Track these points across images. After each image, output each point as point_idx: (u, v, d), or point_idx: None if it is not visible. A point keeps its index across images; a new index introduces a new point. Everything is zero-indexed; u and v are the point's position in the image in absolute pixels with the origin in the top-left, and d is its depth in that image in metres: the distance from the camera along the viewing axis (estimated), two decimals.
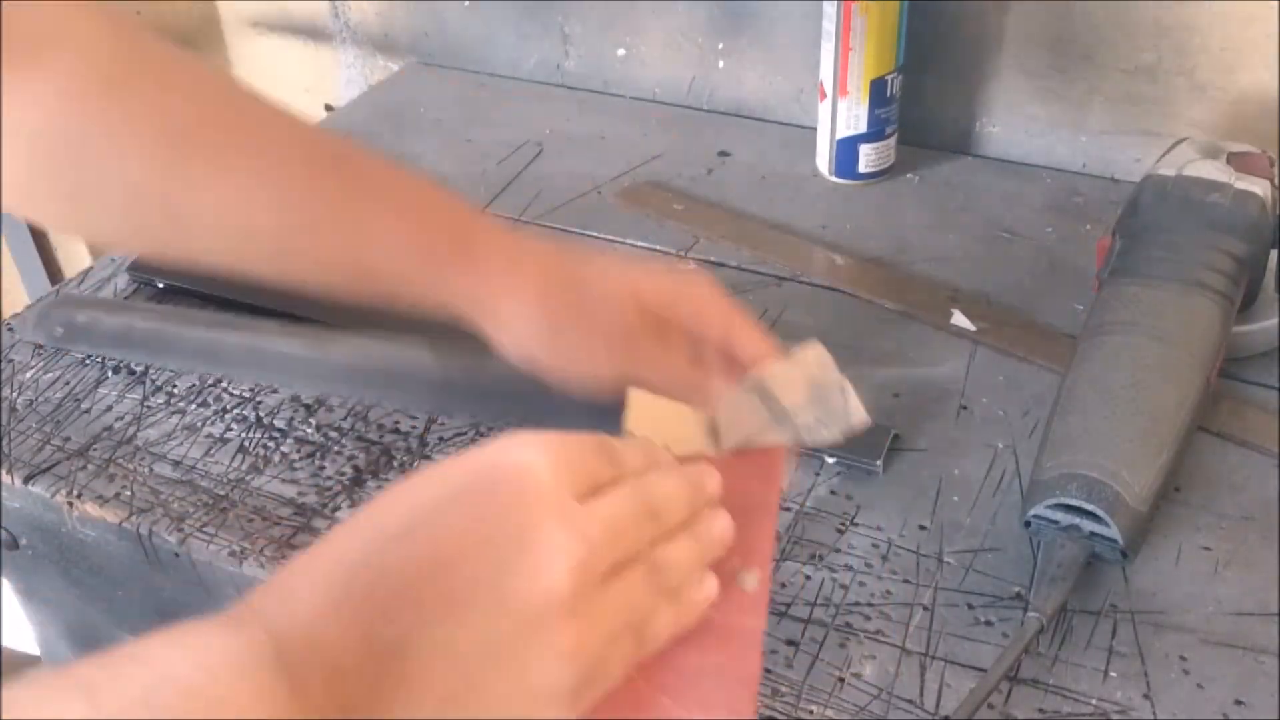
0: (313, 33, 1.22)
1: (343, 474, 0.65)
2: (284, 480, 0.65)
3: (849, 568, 0.59)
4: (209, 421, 0.69)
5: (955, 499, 0.62)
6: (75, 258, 1.32)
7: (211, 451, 0.67)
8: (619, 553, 0.39)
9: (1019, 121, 0.92)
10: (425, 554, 0.36)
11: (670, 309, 0.54)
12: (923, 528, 0.61)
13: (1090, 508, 0.55)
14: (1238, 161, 0.67)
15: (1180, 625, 0.55)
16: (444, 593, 0.36)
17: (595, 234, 0.86)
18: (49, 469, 0.66)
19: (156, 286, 0.80)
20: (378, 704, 0.34)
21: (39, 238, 1.29)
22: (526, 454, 0.38)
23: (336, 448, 0.67)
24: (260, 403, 0.70)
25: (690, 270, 0.62)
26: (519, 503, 0.37)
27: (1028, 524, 0.58)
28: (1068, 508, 0.56)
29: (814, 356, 0.56)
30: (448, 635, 0.35)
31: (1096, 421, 0.59)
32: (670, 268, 0.64)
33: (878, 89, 0.86)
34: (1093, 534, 0.56)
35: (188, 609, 0.50)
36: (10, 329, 0.77)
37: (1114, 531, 0.55)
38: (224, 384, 0.72)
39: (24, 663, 0.90)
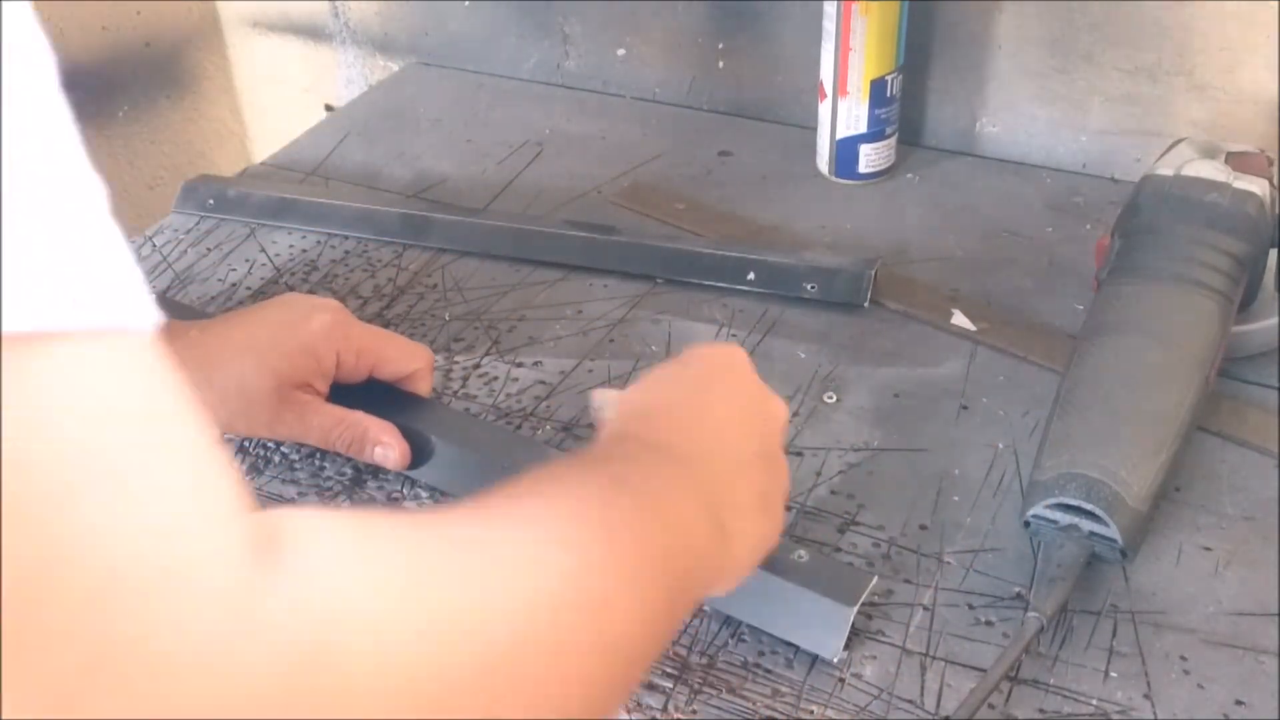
0: (313, 33, 1.22)
1: (343, 474, 0.65)
2: (284, 481, 0.65)
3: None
4: None
5: (955, 499, 0.62)
6: None
7: None
8: None
9: (1019, 121, 0.92)
10: (698, 399, 0.51)
11: None
12: (923, 528, 0.61)
13: (1089, 507, 0.55)
14: (1236, 161, 0.67)
15: (1180, 625, 0.55)
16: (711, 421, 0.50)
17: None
18: None
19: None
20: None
21: None
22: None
23: None
24: None
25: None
26: (750, 377, 0.53)
27: (1027, 524, 0.58)
28: (1067, 507, 0.56)
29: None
30: (713, 447, 0.49)
31: (1095, 421, 0.59)
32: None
33: (878, 89, 0.86)
34: (1092, 534, 0.56)
35: None
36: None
37: (1113, 531, 0.55)
38: None
39: None
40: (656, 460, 0.46)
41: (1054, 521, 0.57)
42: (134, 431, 0.26)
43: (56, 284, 0.25)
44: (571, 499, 0.39)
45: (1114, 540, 0.55)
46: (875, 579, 0.55)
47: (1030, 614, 0.54)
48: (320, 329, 0.63)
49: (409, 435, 0.63)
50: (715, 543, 0.45)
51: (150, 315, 0.27)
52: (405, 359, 0.66)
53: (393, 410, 0.64)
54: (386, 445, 0.62)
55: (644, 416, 0.49)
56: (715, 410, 0.51)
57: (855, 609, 0.53)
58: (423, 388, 0.67)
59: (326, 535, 0.30)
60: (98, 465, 0.25)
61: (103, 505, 0.25)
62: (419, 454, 0.63)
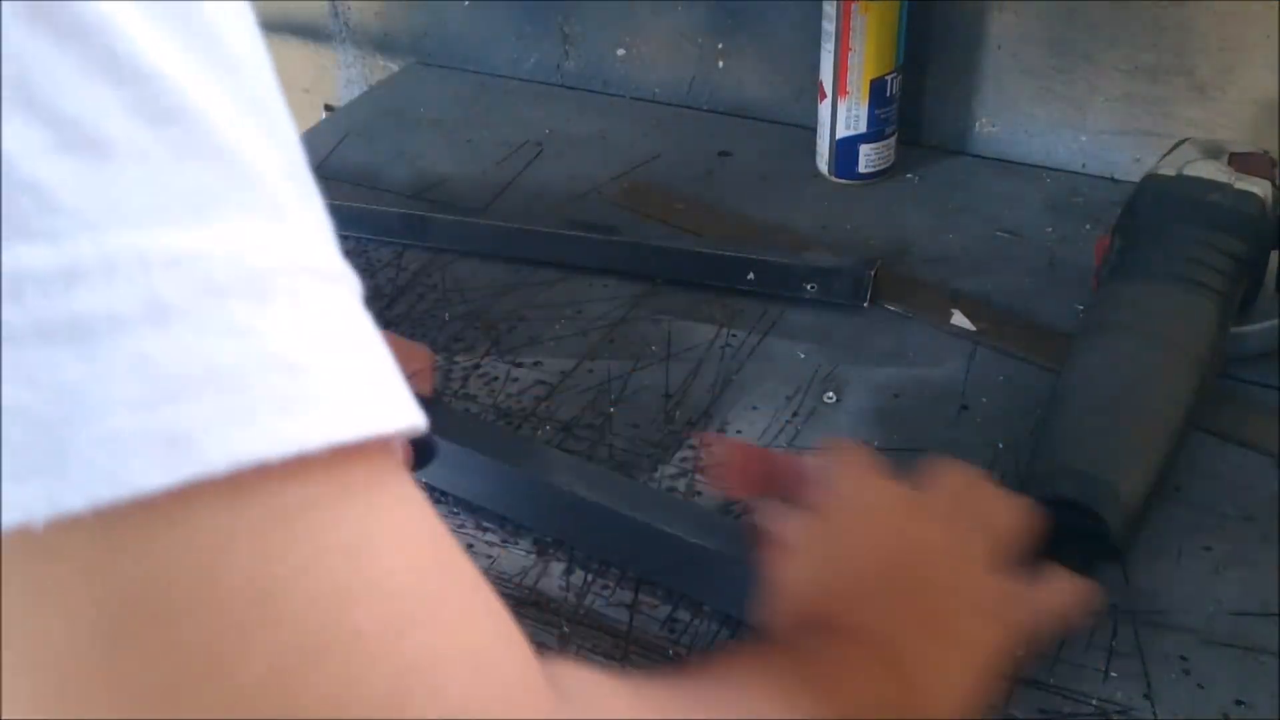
0: (313, 33, 1.22)
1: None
2: None
3: None
4: None
5: None
6: None
7: None
8: None
9: (1019, 121, 0.92)
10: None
11: None
12: None
13: (1083, 504, 0.55)
14: (1239, 162, 0.67)
15: (1180, 625, 0.55)
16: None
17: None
18: None
19: None
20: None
21: None
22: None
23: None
24: None
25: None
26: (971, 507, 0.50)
27: None
28: (1061, 504, 0.56)
29: None
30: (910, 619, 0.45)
31: (1090, 419, 0.59)
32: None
33: (878, 89, 0.86)
34: (1086, 531, 0.56)
35: None
36: None
37: (1106, 528, 0.55)
38: None
39: None
40: (842, 652, 0.42)
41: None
42: (433, 555, 0.27)
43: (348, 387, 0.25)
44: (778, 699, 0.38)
45: (1107, 537, 0.55)
46: None
47: None
48: None
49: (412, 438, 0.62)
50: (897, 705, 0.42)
51: (418, 418, 0.27)
52: (404, 360, 0.66)
53: None
54: None
55: (830, 596, 0.45)
56: (919, 578, 0.45)
57: None
58: (423, 388, 0.67)
59: (607, 689, 0.31)
60: (422, 593, 0.25)
61: (430, 636, 0.25)
62: (423, 455, 0.63)
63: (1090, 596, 0.51)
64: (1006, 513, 0.50)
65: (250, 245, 0.23)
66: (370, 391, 0.25)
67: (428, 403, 0.66)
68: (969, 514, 0.49)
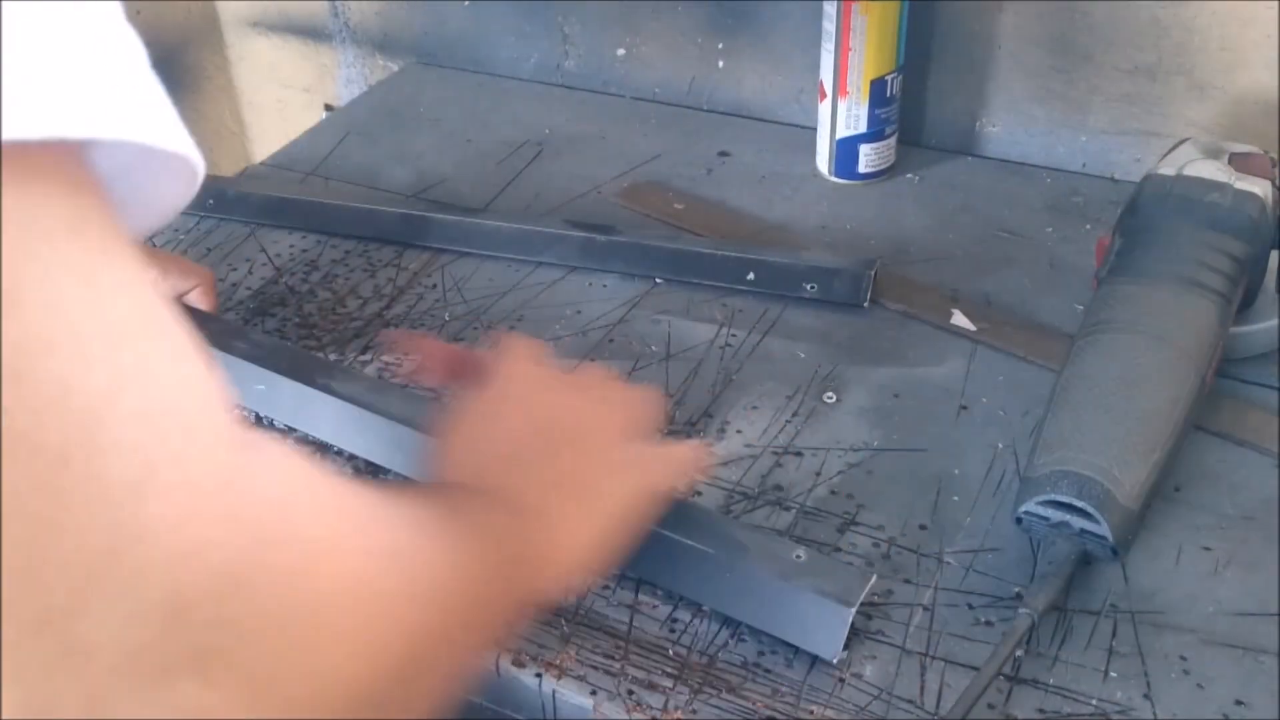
0: (313, 33, 1.22)
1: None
2: None
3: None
4: None
5: (955, 499, 0.62)
6: None
7: None
8: None
9: (1019, 121, 0.92)
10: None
11: None
12: (923, 528, 0.61)
13: (1080, 504, 0.55)
14: (1239, 162, 0.67)
15: (1180, 625, 0.55)
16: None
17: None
18: None
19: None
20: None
21: None
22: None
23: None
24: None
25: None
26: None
27: (1019, 520, 0.58)
28: (1058, 505, 0.56)
29: None
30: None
31: (1088, 419, 0.59)
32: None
33: (878, 89, 0.86)
34: (1083, 531, 0.56)
35: None
36: None
37: (1104, 529, 0.55)
38: None
39: None
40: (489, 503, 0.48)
41: (1045, 519, 0.57)
42: (137, 307, 0.27)
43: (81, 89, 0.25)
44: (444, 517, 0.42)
45: (1105, 538, 0.55)
46: (875, 579, 0.55)
47: (1021, 611, 0.54)
48: None
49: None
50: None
51: (183, 139, 0.28)
52: (185, 274, 0.73)
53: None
54: None
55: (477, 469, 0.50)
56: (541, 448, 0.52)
57: (855, 609, 0.53)
58: (205, 304, 0.74)
59: (282, 449, 0.33)
60: (110, 336, 0.26)
61: (111, 375, 0.26)
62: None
63: (708, 457, 0.64)
64: (639, 396, 0.57)
65: None
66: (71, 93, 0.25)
67: (207, 317, 0.70)
68: (609, 395, 0.56)
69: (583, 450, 0.52)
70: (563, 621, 0.57)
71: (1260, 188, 0.65)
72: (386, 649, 0.33)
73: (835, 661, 0.54)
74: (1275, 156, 0.68)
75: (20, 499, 0.24)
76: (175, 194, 0.30)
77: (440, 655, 0.38)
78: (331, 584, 0.31)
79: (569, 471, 0.51)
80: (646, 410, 0.57)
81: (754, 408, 0.69)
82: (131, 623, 0.26)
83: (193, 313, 0.72)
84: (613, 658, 0.55)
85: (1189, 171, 0.67)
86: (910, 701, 0.52)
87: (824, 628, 0.54)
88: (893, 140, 0.90)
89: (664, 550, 0.57)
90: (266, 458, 0.31)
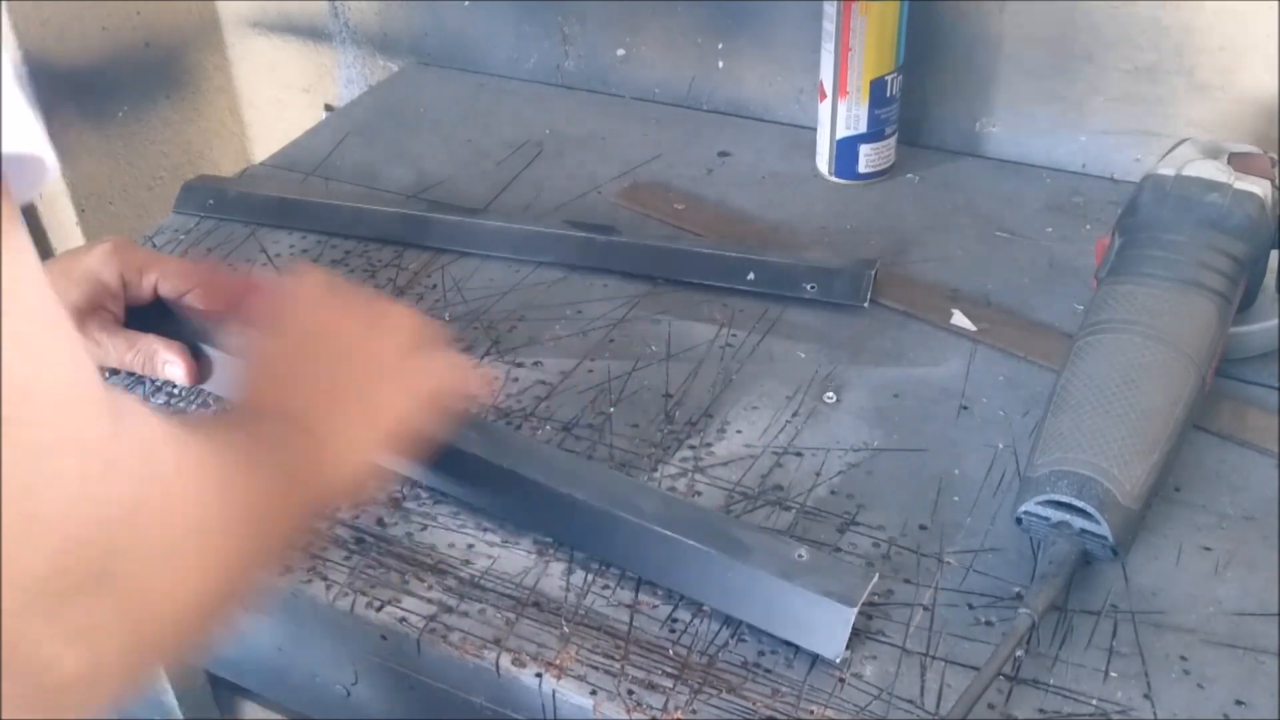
0: (312, 33, 1.22)
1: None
2: None
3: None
4: None
5: (955, 499, 0.62)
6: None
7: None
8: None
9: (1019, 121, 0.92)
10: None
11: None
12: (923, 528, 0.61)
13: (1080, 504, 0.55)
14: (1239, 162, 0.67)
15: (1180, 625, 0.55)
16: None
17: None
18: None
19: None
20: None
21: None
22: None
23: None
24: None
25: None
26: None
27: (1019, 520, 0.58)
28: (1058, 504, 0.56)
29: None
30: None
31: (1088, 419, 0.59)
32: None
33: (878, 89, 0.86)
34: (1083, 531, 0.56)
35: None
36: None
37: (1104, 529, 0.55)
38: None
39: None
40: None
41: (1045, 518, 0.57)
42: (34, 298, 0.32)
43: None
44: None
45: (1105, 538, 0.55)
46: (875, 579, 0.55)
47: (1021, 611, 0.54)
48: (101, 253, 0.70)
49: (196, 352, 0.70)
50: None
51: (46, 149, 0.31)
52: (183, 276, 0.73)
53: (184, 332, 0.71)
54: (173, 363, 0.70)
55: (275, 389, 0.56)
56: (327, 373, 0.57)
57: (856, 609, 0.53)
58: (206, 304, 0.74)
59: (150, 418, 0.39)
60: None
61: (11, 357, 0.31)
62: (206, 368, 0.71)
63: (483, 375, 0.71)
64: (410, 314, 0.62)
65: None
66: None
67: (214, 323, 0.72)
68: (380, 314, 0.61)
69: (362, 369, 0.57)
70: (563, 621, 0.57)
71: (1260, 188, 0.65)
72: (220, 571, 0.41)
73: (837, 661, 0.54)
74: (1275, 156, 0.68)
75: None
76: (24, 189, 0.32)
77: (245, 575, 0.45)
78: (184, 519, 0.39)
79: (344, 387, 0.55)
80: (417, 326, 0.61)
81: (754, 408, 0.69)
82: (38, 556, 0.32)
83: (193, 313, 0.72)
84: (613, 658, 0.55)
85: (1189, 171, 0.67)
86: (910, 701, 0.52)
87: (826, 627, 0.54)
88: (893, 140, 0.90)
89: (664, 549, 0.57)
90: (134, 419, 0.37)
